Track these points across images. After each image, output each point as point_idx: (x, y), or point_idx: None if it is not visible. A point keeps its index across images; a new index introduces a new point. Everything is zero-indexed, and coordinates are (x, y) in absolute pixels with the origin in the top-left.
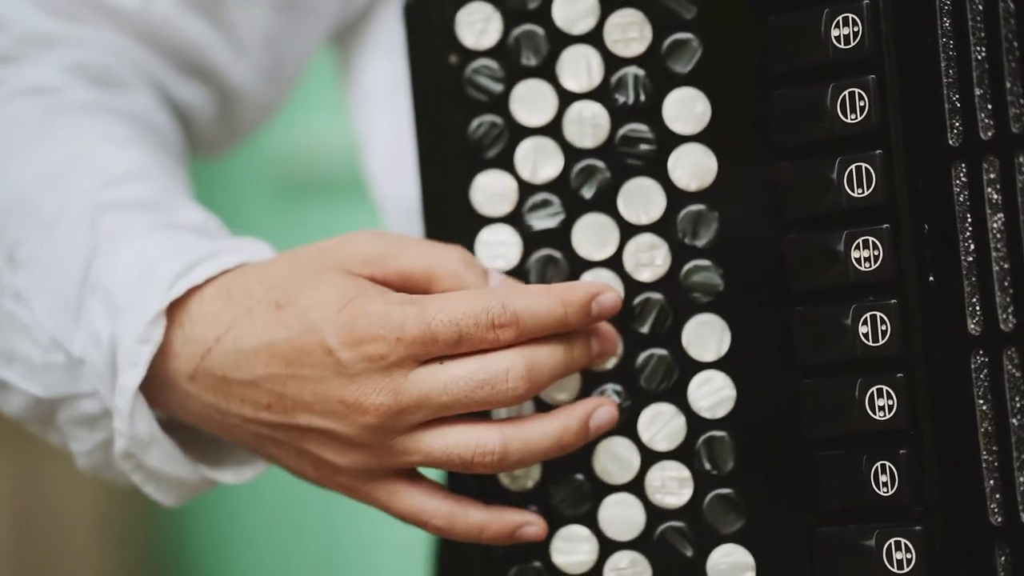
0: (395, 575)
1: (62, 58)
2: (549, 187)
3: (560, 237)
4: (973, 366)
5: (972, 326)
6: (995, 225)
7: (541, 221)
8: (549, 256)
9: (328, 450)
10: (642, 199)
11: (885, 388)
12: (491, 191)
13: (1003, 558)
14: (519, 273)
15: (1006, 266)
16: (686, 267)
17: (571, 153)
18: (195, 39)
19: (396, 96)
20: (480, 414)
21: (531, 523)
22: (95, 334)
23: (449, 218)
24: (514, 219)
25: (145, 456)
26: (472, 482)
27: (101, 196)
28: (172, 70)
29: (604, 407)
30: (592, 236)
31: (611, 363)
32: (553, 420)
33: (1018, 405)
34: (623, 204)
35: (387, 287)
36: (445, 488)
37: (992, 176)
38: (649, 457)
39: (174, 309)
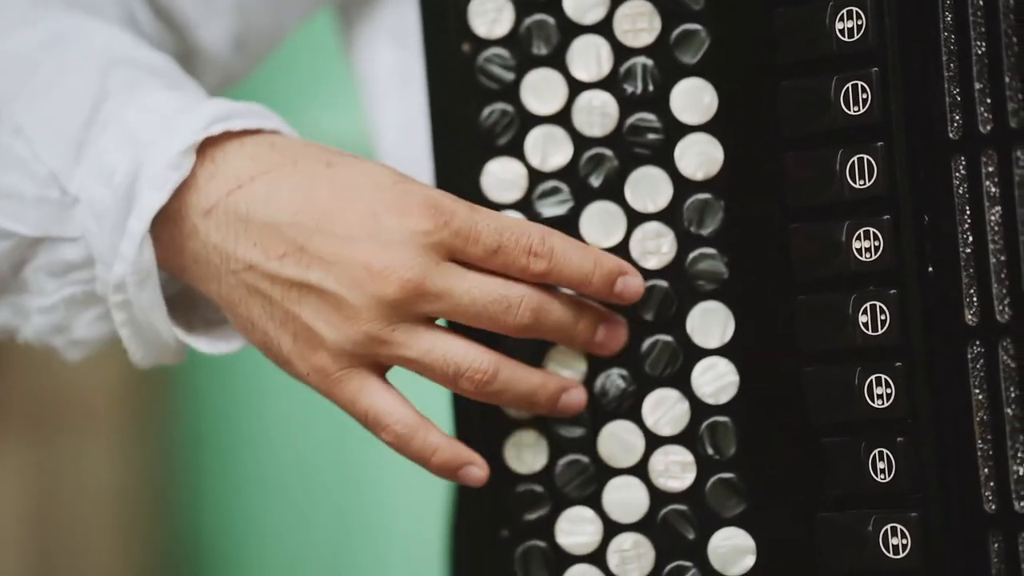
0: (406, 568)
1: None
2: (558, 175)
3: (568, 224)
4: (969, 356)
5: (969, 317)
6: (993, 218)
7: (550, 208)
8: None
9: (323, 320)
10: (649, 188)
11: (884, 377)
12: (501, 178)
13: (996, 545)
14: None
15: (1003, 258)
16: (691, 255)
17: (580, 142)
18: None
19: (403, 84)
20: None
21: (477, 466)
22: (106, 168)
23: None
24: (524, 206)
25: (137, 293)
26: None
27: (111, 54)
28: (145, 6)
29: (577, 390)
30: (600, 223)
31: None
32: (536, 375)
33: (1013, 395)
34: (631, 192)
35: None
36: (412, 404)
37: (991, 169)
38: (653, 441)
39: (206, 147)
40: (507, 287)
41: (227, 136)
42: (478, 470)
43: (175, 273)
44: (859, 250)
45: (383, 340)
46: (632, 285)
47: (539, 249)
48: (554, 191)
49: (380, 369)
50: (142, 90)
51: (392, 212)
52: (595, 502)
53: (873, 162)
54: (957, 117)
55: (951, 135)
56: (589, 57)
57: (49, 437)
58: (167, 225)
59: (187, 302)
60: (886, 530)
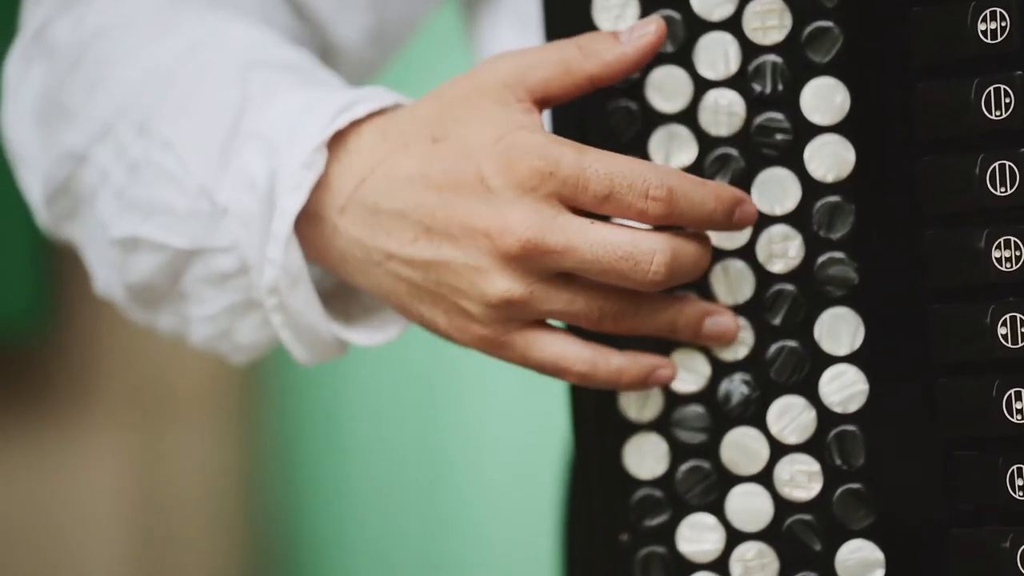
0: (505, 566)
1: None
2: None
3: None
4: None
5: None
6: None
7: None
8: None
9: (463, 294)
10: (777, 189)
11: None
12: None
13: None
14: None
15: None
16: (820, 259)
17: (705, 141)
18: None
19: None
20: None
21: (664, 366)
22: (248, 177)
23: None
24: None
25: (290, 295)
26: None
27: (248, 57)
28: (283, 4)
29: (666, 370)
30: None
31: (741, 353)
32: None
33: None
34: (757, 194)
35: (533, 104)
36: (580, 336)
37: None
38: (778, 449)
39: (332, 144)
40: (635, 242)
41: (349, 128)
42: (666, 370)
43: (329, 270)
44: (999, 259)
45: (523, 301)
46: (749, 210)
47: (657, 192)
48: None
49: (540, 319)
50: (278, 92)
51: (499, 173)
52: (717, 509)
53: (1016, 169)
54: None
55: None
56: (716, 55)
57: (151, 424)
58: (311, 227)
59: (344, 294)
60: None
